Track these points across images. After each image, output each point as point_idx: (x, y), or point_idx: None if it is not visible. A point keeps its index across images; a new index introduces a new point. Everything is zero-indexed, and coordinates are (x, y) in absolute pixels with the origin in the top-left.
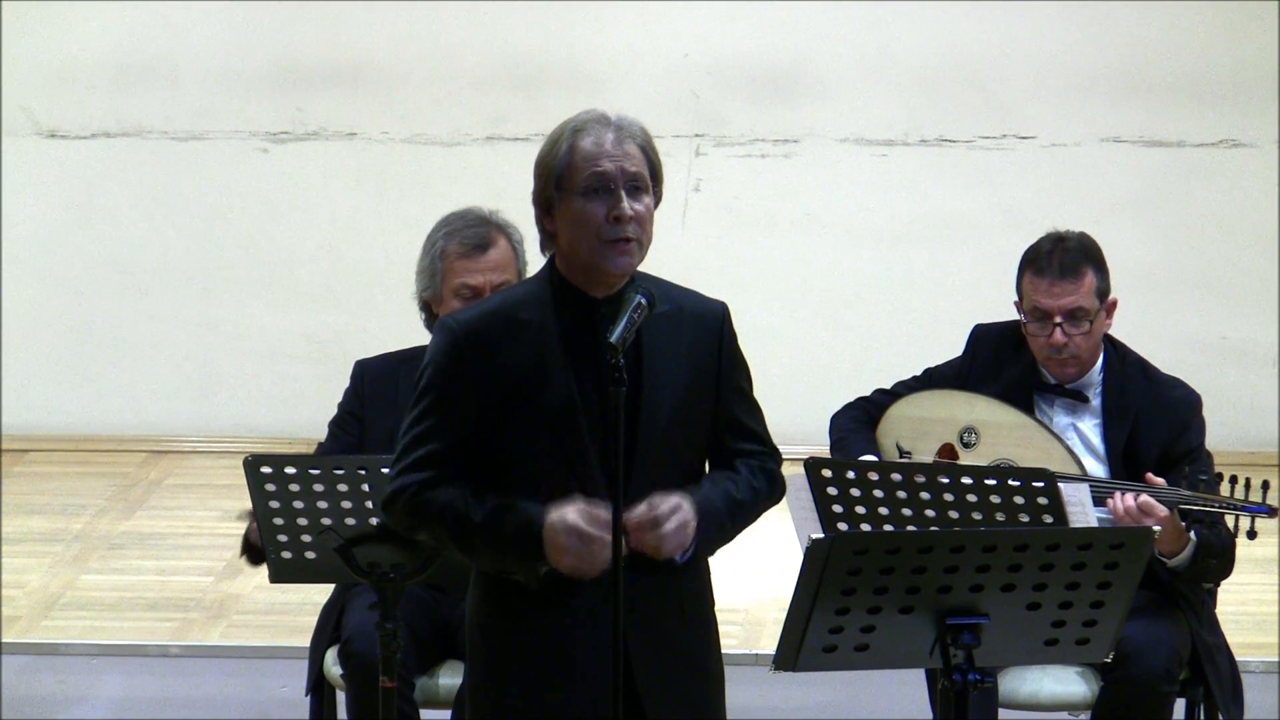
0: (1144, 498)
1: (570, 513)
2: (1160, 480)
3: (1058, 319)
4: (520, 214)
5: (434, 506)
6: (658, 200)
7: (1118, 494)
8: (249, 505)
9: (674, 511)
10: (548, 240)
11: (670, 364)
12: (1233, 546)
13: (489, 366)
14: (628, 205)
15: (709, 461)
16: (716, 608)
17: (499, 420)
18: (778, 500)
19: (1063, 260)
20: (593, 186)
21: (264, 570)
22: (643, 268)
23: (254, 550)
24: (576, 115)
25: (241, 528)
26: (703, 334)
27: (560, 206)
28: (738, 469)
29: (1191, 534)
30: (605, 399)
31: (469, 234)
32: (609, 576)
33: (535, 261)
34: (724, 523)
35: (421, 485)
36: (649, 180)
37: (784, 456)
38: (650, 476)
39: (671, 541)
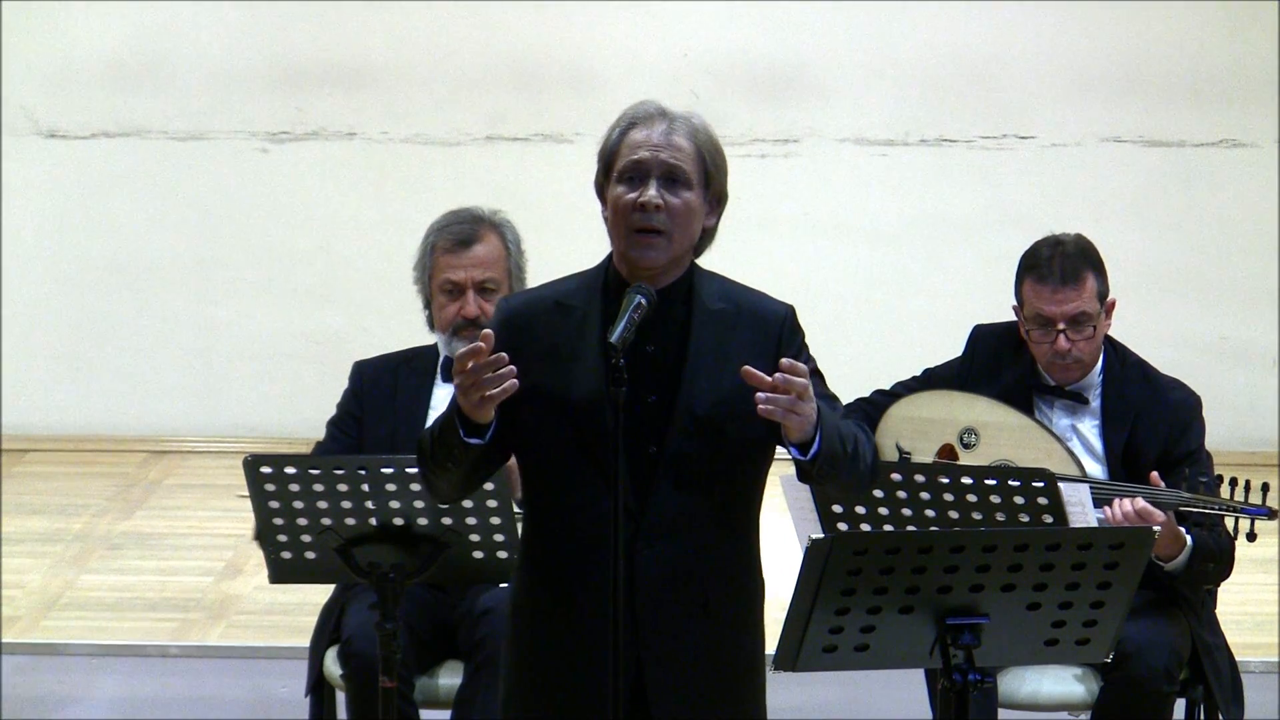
0: (1141, 503)
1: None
2: (1159, 482)
3: (1061, 325)
4: (520, 214)
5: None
6: (717, 204)
7: (1115, 501)
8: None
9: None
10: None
11: (715, 365)
12: (1231, 550)
13: (528, 347)
14: (655, 193)
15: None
16: None
17: (528, 401)
18: (874, 472)
19: (1063, 266)
20: (628, 173)
21: (264, 570)
22: None
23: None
24: (638, 104)
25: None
26: (759, 337)
27: (607, 194)
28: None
29: (1189, 538)
30: (641, 391)
31: (455, 229)
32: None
33: (534, 260)
34: (840, 433)
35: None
36: (693, 177)
37: (781, 457)
38: (679, 479)
39: (796, 406)
